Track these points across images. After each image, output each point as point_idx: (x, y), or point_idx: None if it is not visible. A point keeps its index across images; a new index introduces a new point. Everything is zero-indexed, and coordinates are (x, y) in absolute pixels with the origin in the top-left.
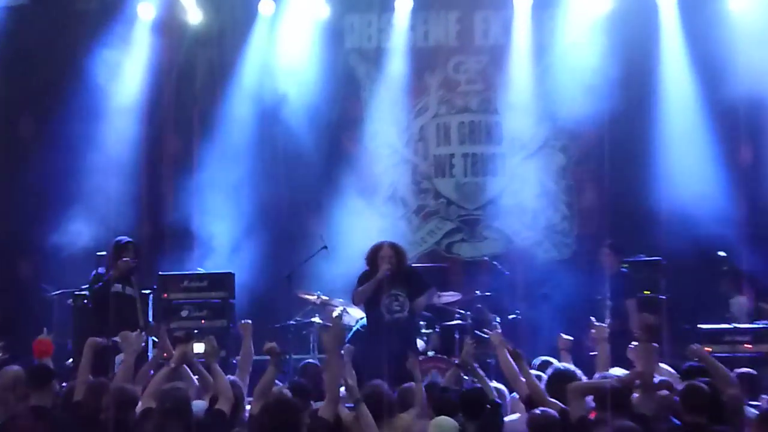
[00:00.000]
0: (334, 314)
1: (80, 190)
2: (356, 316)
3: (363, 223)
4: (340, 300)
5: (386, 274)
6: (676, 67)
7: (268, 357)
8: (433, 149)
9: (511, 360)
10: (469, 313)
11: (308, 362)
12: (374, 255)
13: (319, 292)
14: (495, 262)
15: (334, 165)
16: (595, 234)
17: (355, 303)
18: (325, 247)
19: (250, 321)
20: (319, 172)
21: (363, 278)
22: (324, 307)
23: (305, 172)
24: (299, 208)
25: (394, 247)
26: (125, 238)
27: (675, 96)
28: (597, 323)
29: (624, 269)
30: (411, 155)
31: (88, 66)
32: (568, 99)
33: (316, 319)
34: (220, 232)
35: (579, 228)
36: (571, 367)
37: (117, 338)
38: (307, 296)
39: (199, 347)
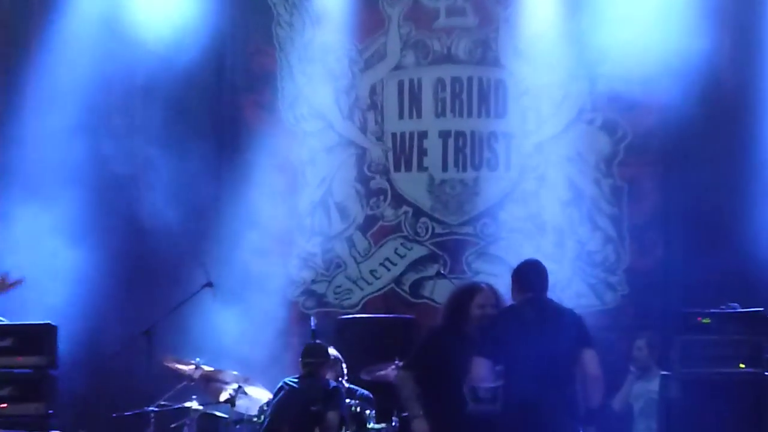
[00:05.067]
0: (223, 397)
1: None
2: (259, 400)
3: (276, 247)
4: (234, 373)
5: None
6: None
7: None
8: (392, 124)
9: None
10: None
11: None
12: (466, 301)
13: (198, 360)
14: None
15: (227, 149)
16: (659, 268)
17: (406, 379)
18: (210, 284)
19: None
20: (203, 161)
21: (433, 340)
22: (207, 385)
23: (179, 161)
24: (169, 219)
25: (495, 290)
26: None
27: None
28: None
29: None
30: (355, 133)
31: None
32: (622, 46)
33: (194, 404)
34: (31, 252)
35: (633, 258)
36: None
37: None
38: (179, 366)
39: None
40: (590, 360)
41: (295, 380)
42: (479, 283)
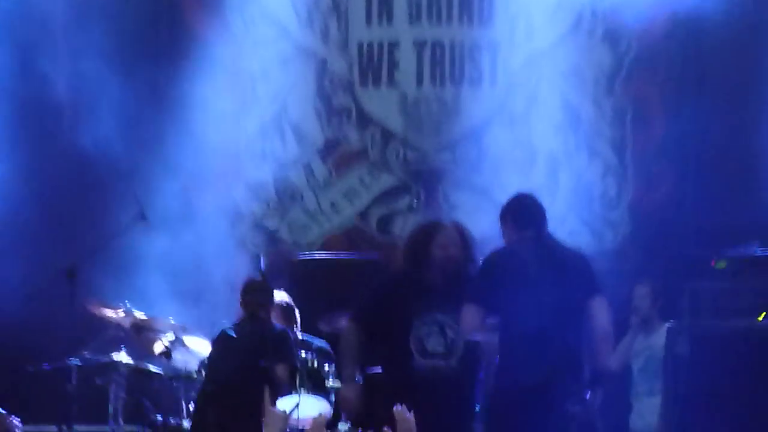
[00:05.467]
0: (157, 348)
1: None
2: (200, 353)
3: (221, 174)
4: (170, 321)
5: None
6: None
7: None
8: (357, 32)
9: None
10: None
11: None
12: (425, 243)
13: (128, 305)
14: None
15: (164, 59)
16: (668, 204)
17: (350, 333)
18: (144, 217)
19: None
20: (138, 74)
21: (387, 287)
22: (139, 334)
23: (113, 75)
24: (98, 142)
25: (461, 229)
26: None
27: None
28: None
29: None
30: (315, 42)
31: None
32: None
33: (123, 357)
34: None
35: (637, 192)
36: None
37: None
38: (106, 312)
39: None
40: (599, 310)
41: (234, 327)
42: (441, 221)
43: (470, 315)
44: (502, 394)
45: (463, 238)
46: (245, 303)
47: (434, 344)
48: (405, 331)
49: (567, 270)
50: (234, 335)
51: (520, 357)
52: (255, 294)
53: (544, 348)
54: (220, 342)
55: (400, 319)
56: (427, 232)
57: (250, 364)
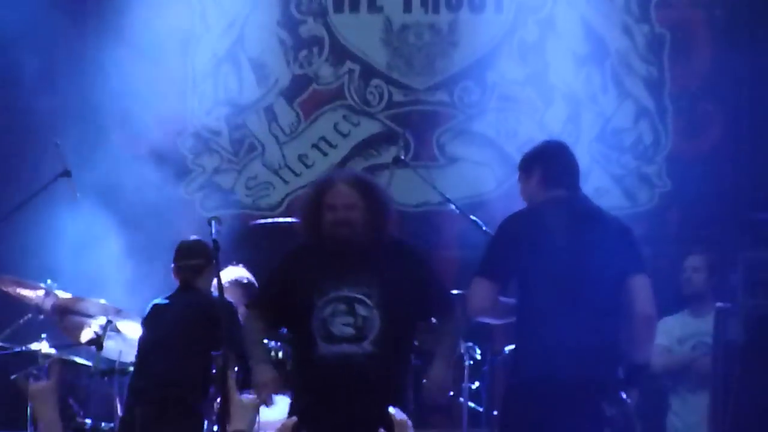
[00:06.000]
0: (85, 336)
1: None
2: (134, 339)
3: (163, 120)
4: (101, 302)
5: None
6: None
7: None
8: None
9: None
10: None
11: None
12: (314, 205)
13: (50, 283)
14: (475, 219)
15: None
16: (716, 156)
17: (248, 322)
18: (68, 173)
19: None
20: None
21: (285, 264)
22: (63, 319)
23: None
24: (18, 84)
25: (357, 182)
26: None
27: None
28: None
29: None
30: None
31: None
32: None
33: (44, 347)
34: None
35: (679, 140)
36: None
37: None
38: (22, 291)
39: None
40: (641, 290)
41: (166, 299)
42: (333, 174)
43: (480, 291)
44: (518, 390)
45: (364, 193)
46: (178, 269)
47: (340, 327)
48: (306, 314)
49: (605, 241)
50: (166, 304)
51: (543, 345)
52: (190, 257)
53: (573, 335)
54: (149, 321)
55: (300, 300)
56: (318, 192)
57: (184, 347)
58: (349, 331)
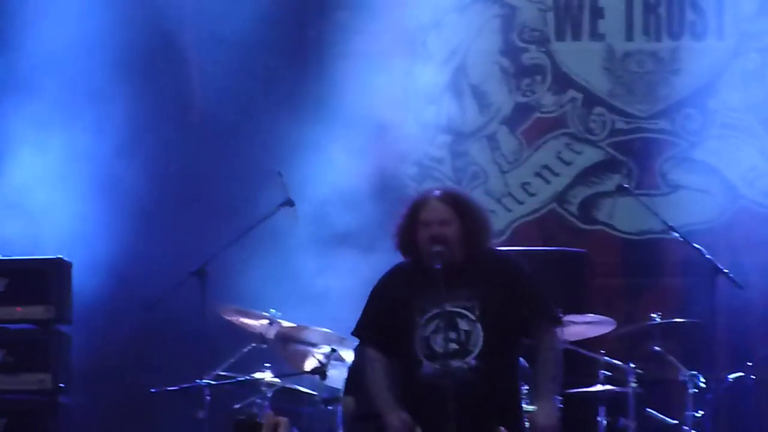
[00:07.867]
0: (309, 365)
1: None
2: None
3: (384, 149)
4: (325, 331)
5: (437, 267)
6: None
7: None
8: None
9: None
10: (635, 368)
11: None
12: (410, 223)
13: (273, 312)
14: (699, 247)
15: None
16: None
17: (367, 360)
18: (291, 203)
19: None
20: (274, 29)
21: (383, 288)
22: (286, 347)
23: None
24: (219, 109)
25: (451, 198)
26: None
27: None
28: None
29: None
30: None
31: None
32: None
33: (267, 376)
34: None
35: None
36: None
37: None
38: (244, 321)
39: None
40: None
41: None
42: (427, 191)
43: None
44: None
45: (460, 209)
46: None
47: (443, 343)
48: (408, 334)
49: None
50: None
51: None
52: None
53: None
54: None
55: (402, 320)
56: (413, 209)
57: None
58: (453, 346)
